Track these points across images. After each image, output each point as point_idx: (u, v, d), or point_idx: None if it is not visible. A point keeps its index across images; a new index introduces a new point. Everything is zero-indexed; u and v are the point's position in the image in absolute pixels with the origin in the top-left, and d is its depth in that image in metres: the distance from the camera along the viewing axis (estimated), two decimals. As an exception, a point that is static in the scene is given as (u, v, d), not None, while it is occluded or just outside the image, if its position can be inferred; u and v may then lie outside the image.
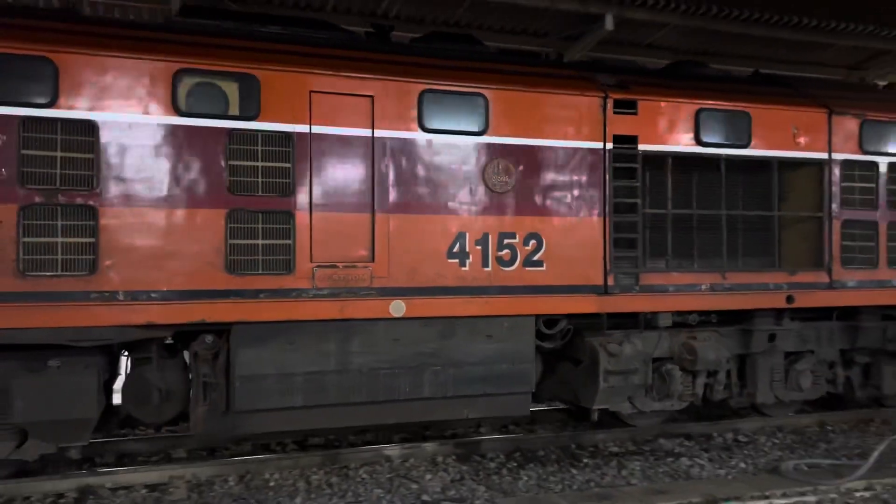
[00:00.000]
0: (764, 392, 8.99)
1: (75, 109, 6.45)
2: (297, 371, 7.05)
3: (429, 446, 7.97)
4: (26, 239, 6.31)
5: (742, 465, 7.96)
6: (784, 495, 6.76)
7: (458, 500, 6.64)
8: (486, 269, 7.57)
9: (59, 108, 6.42)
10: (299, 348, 7.06)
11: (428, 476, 7.28)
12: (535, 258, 7.73)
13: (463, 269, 7.51)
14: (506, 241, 7.64)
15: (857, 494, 6.94)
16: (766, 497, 6.68)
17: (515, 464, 7.72)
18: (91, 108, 6.49)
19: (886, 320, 9.45)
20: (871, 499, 6.87)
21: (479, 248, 7.55)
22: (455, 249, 7.48)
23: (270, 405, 7.01)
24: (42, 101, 6.38)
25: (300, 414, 7.16)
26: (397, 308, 7.27)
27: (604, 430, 8.73)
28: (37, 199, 6.34)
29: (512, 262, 7.66)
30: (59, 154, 6.44)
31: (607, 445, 8.47)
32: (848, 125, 8.94)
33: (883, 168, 9.10)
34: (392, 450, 7.84)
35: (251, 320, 6.88)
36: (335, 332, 7.16)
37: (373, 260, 7.23)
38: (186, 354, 7.36)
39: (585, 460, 7.91)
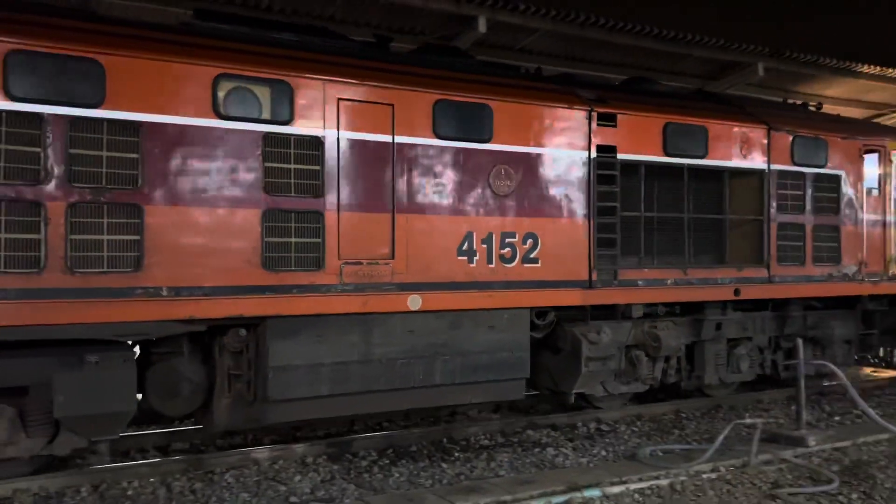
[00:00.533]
0: (710, 375, 10.15)
1: (121, 110, 6.63)
2: (324, 362, 7.49)
3: (299, 447, 7.87)
4: (74, 236, 6.45)
5: (603, 452, 8.28)
6: (640, 480, 7.04)
7: (326, 500, 6.63)
8: (490, 265, 8.27)
9: (106, 108, 6.58)
10: (326, 340, 7.49)
11: (297, 477, 7.19)
12: (532, 256, 8.50)
13: (471, 265, 8.17)
14: (507, 240, 8.36)
15: (705, 476, 7.32)
16: (624, 482, 6.95)
17: (388, 461, 7.77)
18: (137, 110, 6.69)
19: (807, 310, 10.87)
20: (717, 479, 7.26)
21: (484, 246, 8.24)
22: (464, 248, 8.13)
23: (300, 394, 7.41)
24: (91, 101, 6.52)
25: (326, 402, 7.60)
26: (414, 302, 7.84)
27: (475, 424, 9.03)
28: (85, 198, 6.49)
29: (512, 259, 8.39)
30: (105, 154, 6.59)
31: (478, 439, 8.67)
32: (783, 140, 10.25)
33: (809, 178, 10.48)
34: (260, 452, 7.67)
35: (285, 314, 7.26)
36: (358, 325, 7.64)
37: (393, 257, 7.76)
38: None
39: (457, 454, 8.04)
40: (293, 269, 7.31)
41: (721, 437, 7.70)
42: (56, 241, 6.37)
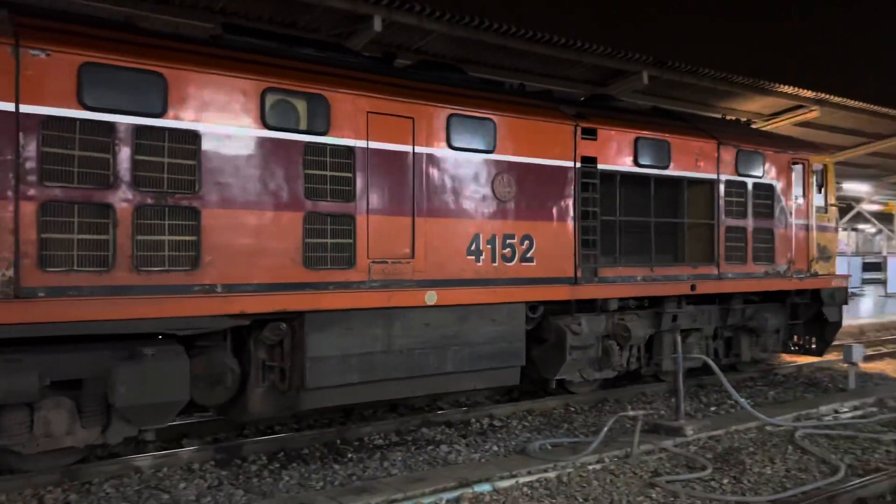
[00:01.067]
0: (667, 362, 11.36)
1: (181, 120, 7.13)
2: (353, 352, 8.17)
3: (184, 453, 7.77)
4: (139, 237, 6.91)
5: (495, 448, 8.47)
6: (529, 473, 7.20)
7: None
8: (493, 264, 9.16)
9: (167, 118, 7.06)
10: (355, 333, 8.17)
11: (182, 484, 7.06)
12: (528, 255, 9.44)
13: (478, 264, 9.03)
14: (508, 241, 9.27)
15: (590, 467, 7.57)
16: (514, 476, 7.08)
17: (278, 465, 7.74)
18: (194, 119, 7.20)
19: (746, 304, 12.29)
20: (602, 470, 7.52)
21: (489, 246, 9.12)
22: (472, 248, 8.98)
23: (333, 382, 8.06)
24: (154, 111, 6.99)
25: (355, 389, 8.28)
26: (431, 297, 8.63)
27: (369, 424, 9.07)
28: (149, 201, 6.96)
29: (512, 258, 9.31)
30: (166, 160, 7.08)
31: (372, 439, 8.74)
32: (729, 153, 11.61)
33: (750, 187, 11.89)
34: (143, 460, 7.51)
35: (321, 309, 7.90)
36: (381, 319, 8.36)
37: (413, 256, 8.53)
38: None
39: (350, 455, 8.08)
40: (329, 267, 7.97)
41: (605, 430, 7.95)
42: (123, 241, 6.82)
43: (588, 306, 10.35)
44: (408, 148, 8.51)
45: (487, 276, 9.10)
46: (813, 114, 17.56)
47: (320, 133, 7.92)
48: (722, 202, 11.50)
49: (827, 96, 16.96)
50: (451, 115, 8.81)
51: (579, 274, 9.91)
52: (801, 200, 12.71)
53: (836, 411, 10.49)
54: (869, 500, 6.87)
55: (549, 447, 8.21)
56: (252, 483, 7.19)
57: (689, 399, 10.98)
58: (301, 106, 7.87)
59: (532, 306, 9.74)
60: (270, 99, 7.63)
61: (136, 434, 7.47)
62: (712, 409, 10.73)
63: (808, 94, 16.51)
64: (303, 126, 7.85)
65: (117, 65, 6.83)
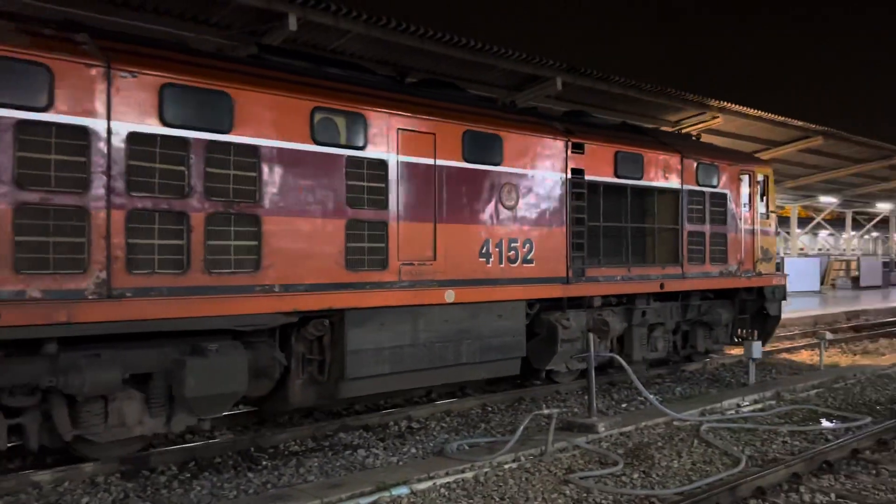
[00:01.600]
0: (637, 352, 12.62)
1: (245, 136, 7.85)
2: (385, 345, 9.03)
3: (87, 467, 7.50)
4: (210, 242, 7.61)
5: (413, 450, 8.47)
6: (447, 474, 7.25)
7: None
8: (500, 265, 10.17)
9: (234, 133, 7.78)
10: (386, 328, 9.04)
11: (85, 499, 6.84)
12: (529, 257, 10.50)
13: (487, 265, 10.03)
14: (512, 244, 10.30)
15: (506, 466, 7.65)
16: (431, 478, 7.11)
17: (189, 475, 7.59)
18: (255, 135, 7.93)
19: (702, 300, 13.70)
20: (517, 469, 7.59)
21: (497, 249, 10.13)
22: (483, 251, 9.97)
23: (369, 373, 8.91)
24: (223, 128, 7.70)
25: (386, 379, 9.14)
26: (449, 295, 9.58)
27: (285, 430, 8.99)
28: (218, 210, 7.66)
29: (515, 260, 10.34)
30: (232, 172, 7.79)
31: (288, 445, 8.67)
32: (691, 166, 12.98)
33: (707, 196, 13.31)
34: (42, 475, 7.22)
35: (360, 306, 8.74)
36: (408, 315, 9.25)
37: (434, 259, 9.46)
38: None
39: (265, 462, 8.02)
40: (367, 269, 8.82)
41: (521, 429, 8.10)
42: (197, 246, 7.51)
43: (573, 303, 11.49)
44: (430, 161, 9.43)
45: (495, 277, 10.11)
46: (717, 121, 19.03)
47: (359, 147, 8.76)
48: (685, 209, 12.86)
49: (729, 105, 18.28)
50: (465, 132, 9.78)
51: (570, 274, 11.04)
52: (747, 208, 14.24)
53: (738, 405, 11.00)
54: (767, 490, 7.18)
55: (467, 447, 8.32)
56: (161, 495, 7.06)
57: (601, 396, 11.33)
58: (342, 123, 8.69)
59: (530, 303, 10.80)
60: (318, 117, 8.43)
61: (196, 423, 8.12)
62: (623, 405, 11.11)
63: (714, 102, 17.73)
64: (344, 141, 8.67)
65: (192, 85, 7.52)
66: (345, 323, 8.69)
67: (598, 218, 11.51)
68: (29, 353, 6.87)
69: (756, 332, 14.62)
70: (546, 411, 8.46)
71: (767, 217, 14.79)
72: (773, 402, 11.29)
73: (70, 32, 7.26)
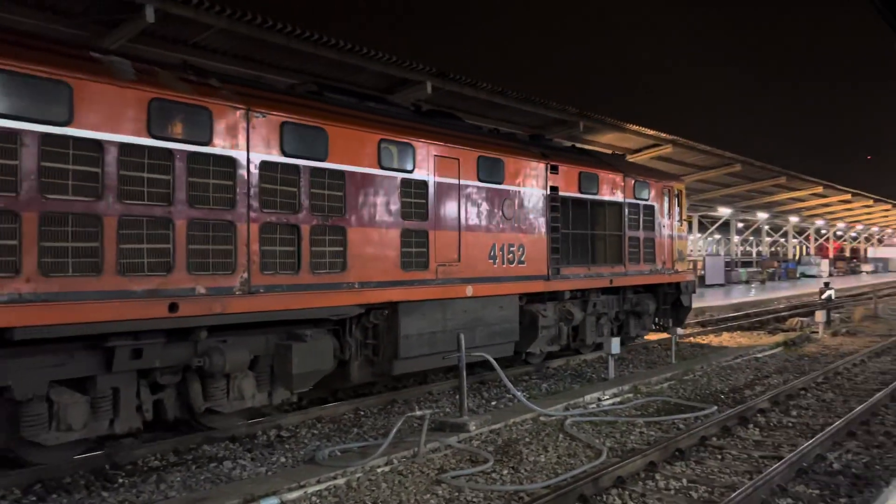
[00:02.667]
0: (590, 337, 15.24)
1: (336, 163, 9.79)
2: (422, 331, 11.14)
3: None
4: (314, 248, 9.51)
5: (283, 459, 8.37)
6: (318, 482, 7.18)
7: None
8: (503, 265, 12.50)
9: (329, 161, 9.71)
10: (425, 317, 11.15)
11: None
12: (522, 259, 12.89)
13: (494, 265, 12.33)
14: (510, 248, 12.65)
15: (379, 470, 7.64)
16: (302, 487, 7.02)
17: (35, 497, 7.16)
18: (342, 162, 9.88)
19: (635, 293, 16.57)
20: (390, 472, 7.60)
21: (500, 252, 12.44)
22: (491, 254, 12.26)
23: (414, 353, 10.98)
24: (321, 157, 9.62)
25: (424, 359, 11.23)
26: (469, 290, 11.81)
27: (143, 446, 8.58)
28: (318, 222, 9.57)
29: (513, 261, 12.70)
30: (326, 192, 9.71)
31: (147, 460, 8.34)
32: (631, 182, 15.80)
33: (641, 208, 16.18)
34: None
35: (409, 300, 10.81)
36: (440, 307, 11.40)
37: (459, 260, 11.66)
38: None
39: (121, 480, 7.66)
40: (414, 269, 10.91)
41: (394, 431, 8.13)
42: (305, 252, 9.39)
43: (549, 297, 13.97)
44: (455, 181, 11.63)
45: (499, 275, 12.43)
46: (579, 128, 20.43)
47: (409, 171, 10.84)
48: (627, 219, 15.67)
49: (589, 113, 19.76)
50: (479, 157, 12.05)
51: (550, 273, 13.53)
52: (668, 217, 17.26)
53: (599, 399, 11.63)
54: (626, 479, 7.51)
55: (339, 453, 8.31)
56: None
57: (472, 395, 11.61)
58: (396, 151, 10.74)
59: (521, 296, 13.18)
60: (382, 146, 10.46)
61: (291, 396, 9.94)
62: (493, 403, 11.52)
63: (574, 109, 18.79)
64: (398, 166, 10.72)
65: (301, 123, 9.39)
66: (398, 313, 10.75)
67: (567, 226, 14.07)
68: (181, 339, 8.54)
69: (671, 320, 17.69)
70: (419, 413, 8.53)
71: (681, 224, 17.91)
72: (631, 396, 12.01)
73: (204, 77, 8.99)
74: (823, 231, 76.57)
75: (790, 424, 10.19)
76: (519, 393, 10.37)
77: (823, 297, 24.28)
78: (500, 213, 12.47)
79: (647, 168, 17.80)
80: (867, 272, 77.67)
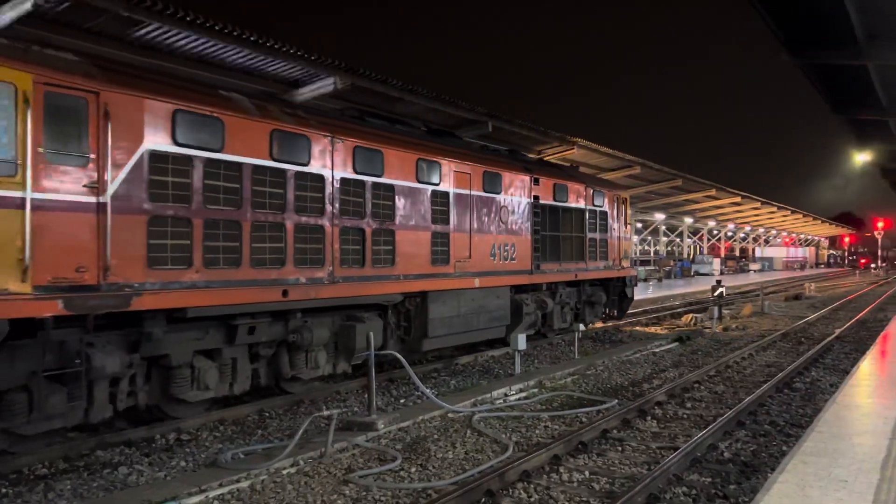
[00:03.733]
0: (557, 322, 17.92)
1: (388, 178, 12.09)
2: (444, 316, 13.55)
3: None
4: (374, 247, 11.81)
5: (183, 463, 8.04)
6: (220, 486, 6.96)
7: None
8: (500, 262, 15.06)
9: (384, 177, 12.00)
10: (445, 304, 13.57)
11: None
12: (513, 256, 15.48)
13: (494, 261, 14.87)
14: (505, 247, 15.21)
15: (285, 472, 7.46)
16: (203, 491, 6.82)
17: None
18: (391, 177, 12.19)
19: (591, 286, 19.43)
20: (296, 473, 7.42)
21: (498, 251, 14.99)
22: (492, 252, 14.80)
23: (439, 333, 13.39)
24: (378, 173, 11.90)
25: (444, 338, 13.64)
26: (476, 282, 14.30)
27: (29, 453, 8.14)
28: (378, 226, 11.86)
29: (507, 258, 15.27)
30: (382, 202, 12.02)
31: (34, 468, 7.96)
32: (590, 192, 18.64)
33: (598, 213, 19.05)
34: None
35: (436, 289, 13.21)
36: (456, 295, 13.84)
37: (470, 257, 14.13)
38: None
39: (4, 490, 7.32)
40: (440, 264, 13.32)
41: (300, 432, 7.93)
42: (368, 249, 11.68)
43: (531, 288, 16.60)
44: (468, 192, 14.10)
45: (497, 269, 14.97)
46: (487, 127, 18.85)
47: (436, 184, 13.24)
48: (587, 223, 18.51)
49: (497, 113, 18.49)
50: (484, 171, 14.56)
51: (533, 268, 16.16)
52: (616, 221, 20.23)
53: (506, 395, 11.88)
54: (532, 472, 7.61)
55: (243, 456, 8.12)
56: None
57: (380, 394, 11.65)
58: (427, 167, 13.11)
59: (511, 288, 15.75)
60: (419, 164, 12.81)
61: (348, 367, 12.14)
62: (402, 401, 11.52)
63: (482, 109, 17.84)
64: (428, 179, 13.10)
65: (366, 147, 11.66)
66: (427, 300, 13.12)
67: (545, 229, 16.75)
68: (280, 319, 10.66)
69: (616, 311, 20.68)
70: (326, 413, 8.43)
71: (626, 227, 20.92)
72: (536, 391, 12.30)
73: (294, 109, 11.14)
74: (716, 231, 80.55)
75: (685, 416, 10.69)
76: (427, 390, 10.40)
77: (715, 294, 24.96)
78: (498, 218, 15.03)
79: (602, 179, 20.79)
80: (755, 270, 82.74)
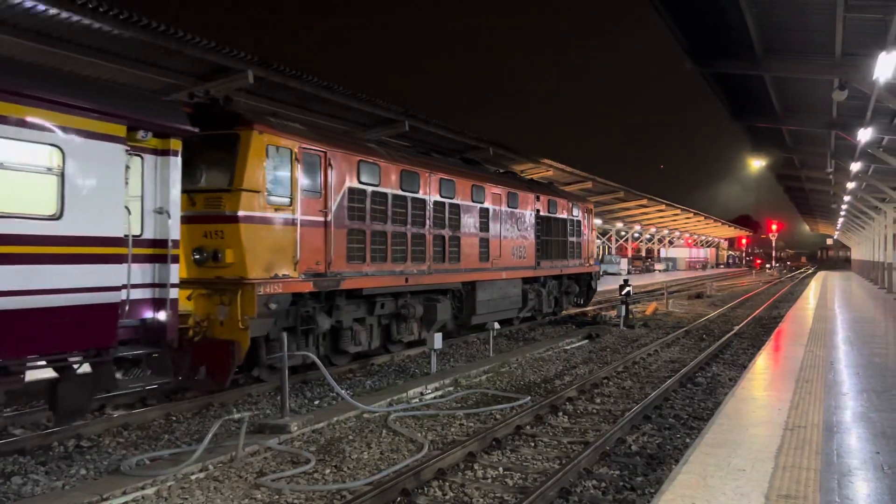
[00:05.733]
0: (545, 308, 22.92)
1: (458, 199, 16.84)
2: (485, 299, 18.49)
3: None
4: (450, 249, 16.54)
5: (83, 471, 7.72)
6: (124, 494, 6.73)
7: None
8: (517, 259, 20.12)
9: (455, 198, 16.75)
10: (486, 290, 18.49)
11: None
12: (524, 255, 20.52)
13: (513, 259, 19.91)
14: (520, 248, 20.24)
15: (193, 477, 7.29)
16: (106, 500, 6.59)
17: None
18: (459, 199, 17.08)
19: (568, 280, 24.59)
20: (205, 478, 7.29)
21: (516, 251, 19.99)
22: (513, 252, 19.83)
23: (483, 312, 18.31)
24: (453, 196, 16.60)
25: (485, 315, 18.48)
26: (503, 274, 19.24)
27: None
28: (451, 234, 16.56)
29: (520, 257, 20.30)
30: (452, 216, 16.77)
31: None
32: (571, 205, 23.80)
33: (575, 221, 24.31)
34: None
35: (481, 280, 18.12)
36: (491, 284, 18.75)
37: (500, 257, 19.03)
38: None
39: None
40: (483, 262, 18.30)
41: (209, 436, 7.72)
42: (447, 250, 16.56)
43: (534, 280, 21.58)
44: (499, 208, 19.01)
45: (515, 265, 20.03)
46: (405, 126, 19.32)
47: (481, 202, 18.19)
48: (568, 229, 23.81)
49: (415, 112, 19.19)
50: (508, 192, 19.55)
51: (536, 264, 21.21)
52: (587, 227, 25.54)
53: (422, 393, 11.84)
54: (447, 470, 7.61)
55: (148, 462, 7.88)
56: None
57: (294, 395, 11.30)
58: (477, 190, 17.93)
59: (522, 280, 20.71)
60: (473, 189, 17.65)
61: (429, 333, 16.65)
62: (316, 402, 11.26)
63: (399, 108, 18.62)
64: (477, 199, 17.91)
65: (447, 178, 16.55)
66: (475, 288, 18.03)
67: (543, 234, 21.96)
68: (396, 298, 15.27)
69: (583, 300, 25.97)
70: (237, 415, 8.27)
71: (592, 232, 26.25)
72: (452, 389, 12.44)
73: (409, 153, 15.75)
74: (623, 233, 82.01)
75: (595, 411, 10.97)
76: (342, 391, 10.29)
77: (623, 293, 25.90)
78: (516, 226, 20.09)
79: (577, 194, 26.15)
80: (660, 270, 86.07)
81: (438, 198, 16.12)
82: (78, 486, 7.24)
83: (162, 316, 9.07)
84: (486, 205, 18.29)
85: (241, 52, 13.25)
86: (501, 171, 23.01)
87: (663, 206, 63.55)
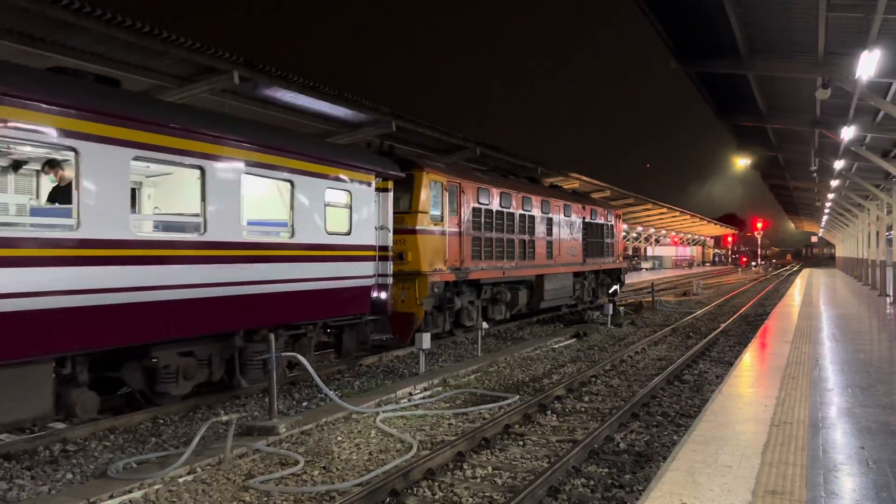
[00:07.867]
0: (586, 297, 27.45)
1: (524, 210, 21.94)
2: (550, 289, 23.03)
3: None
4: (528, 249, 21.48)
5: (70, 476, 7.65)
6: (111, 497, 6.68)
7: None
8: (570, 257, 24.85)
9: (531, 211, 21.77)
10: (550, 282, 23.03)
11: None
12: (574, 254, 25.35)
13: (568, 257, 24.64)
14: (572, 248, 25.02)
15: (181, 480, 7.23)
16: (93, 503, 6.56)
17: None
18: (533, 211, 22.02)
19: (603, 274, 28.85)
20: (193, 481, 7.22)
21: (569, 250, 24.74)
22: (568, 251, 24.52)
23: (547, 299, 22.87)
24: (530, 209, 21.57)
25: (548, 302, 22.94)
26: (562, 269, 23.90)
27: None
28: (527, 238, 21.59)
29: (572, 255, 25.06)
30: (529, 224, 21.71)
31: None
32: (607, 211, 28.89)
33: (607, 225, 29.30)
34: None
35: (547, 273, 22.74)
36: (554, 276, 23.30)
37: (560, 254, 23.86)
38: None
39: None
40: (549, 259, 22.93)
41: (196, 438, 7.72)
42: (527, 251, 21.33)
43: (582, 274, 25.77)
44: (559, 216, 23.77)
45: (569, 262, 24.55)
46: (391, 129, 19.17)
47: (547, 213, 22.78)
48: (606, 231, 28.32)
49: (403, 112, 19.00)
50: (564, 204, 24.32)
51: (583, 261, 25.76)
52: (617, 230, 29.76)
53: (411, 394, 11.68)
54: (436, 470, 7.59)
55: (135, 465, 7.83)
56: None
57: (282, 397, 11.20)
58: (544, 204, 22.66)
59: (573, 274, 24.95)
60: (543, 203, 22.41)
61: (508, 315, 21.03)
62: (304, 404, 11.12)
63: (387, 109, 18.17)
64: (545, 212, 22.53)
65: (525, 195, 21.33)
66: (544, 279, 22.42)
67: (588, 237, 26.39)
68: (491, 286, 19.57)
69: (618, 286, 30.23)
70: (224, 418, 8.19)
71: (621, 234, 30.53)
72: (441, 388, 12.23)
73: (515, 180, 20.38)
74: None
75: (583, 410, 10.88)
76: (331, 392, 10.19)
77: (610, 291, 29.19)
78: (570, 231, 24.66)
79: (609, 203, 31.46)
80: (647, 269, 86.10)
81: (521, 211, 20.90)
82: (64, 490, 7.23)
83: (383, 295, 13.70)
84: (550, 215, 23.07)
85: (226, 53, 13.32)
86: (548, 184, 27.38)
87: (650, 205, 63.82)
